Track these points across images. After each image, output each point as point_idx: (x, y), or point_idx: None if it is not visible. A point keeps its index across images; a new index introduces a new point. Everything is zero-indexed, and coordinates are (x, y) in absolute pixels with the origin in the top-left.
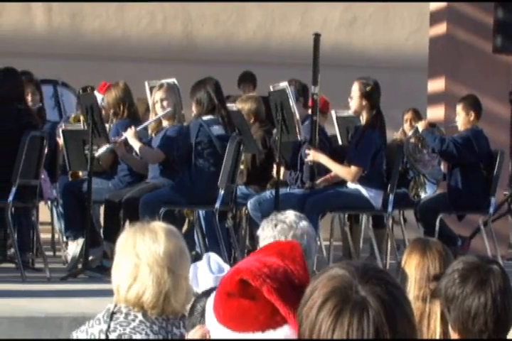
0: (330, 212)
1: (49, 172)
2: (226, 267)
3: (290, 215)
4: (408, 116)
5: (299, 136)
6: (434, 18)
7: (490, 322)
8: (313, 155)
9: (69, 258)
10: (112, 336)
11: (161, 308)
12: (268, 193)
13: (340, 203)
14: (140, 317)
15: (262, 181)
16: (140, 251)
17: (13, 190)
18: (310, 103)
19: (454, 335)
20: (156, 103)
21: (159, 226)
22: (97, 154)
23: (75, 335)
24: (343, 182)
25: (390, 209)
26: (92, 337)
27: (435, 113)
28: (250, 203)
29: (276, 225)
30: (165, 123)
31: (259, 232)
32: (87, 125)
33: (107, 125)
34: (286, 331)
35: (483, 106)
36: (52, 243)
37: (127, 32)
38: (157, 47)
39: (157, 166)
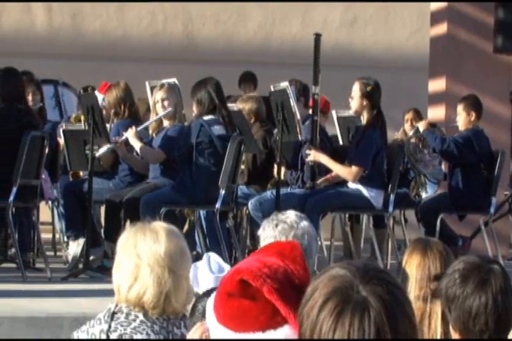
0: (331, 212)
1: (50, 172)
2: (226, 267)
3: (291, 215)
4: (409, 116)
5: (299, 136)
6: (435, 18)
7: (491, 322)
8: (313, 155)
9: (70, 258)
10: (113, 336)
11: (162, 308)
12: (269, 193)
13: (341, 203)
14: (141, 317)
15: (262, 181)
16: (141, 251)
17: (14, 190)
18: (311, 103)
19: (454, 335)
20: (157, 103)
21: (160, 226)
22: (97, 154)
23: (75, 335)
24: (343, 182)
25: (390, 209)
26: (93, 337)
27: (436, 113)
28: (251, 203)
29: (277, 225)
30: (166, 123)
31: (260, 232)
32: (88, 125)
33: (107, 125)
34: (286, 331)
35: (483, 106)
36: (53, 243)
37: (128, 32)
38: (158, 47)
39: (158, 166)
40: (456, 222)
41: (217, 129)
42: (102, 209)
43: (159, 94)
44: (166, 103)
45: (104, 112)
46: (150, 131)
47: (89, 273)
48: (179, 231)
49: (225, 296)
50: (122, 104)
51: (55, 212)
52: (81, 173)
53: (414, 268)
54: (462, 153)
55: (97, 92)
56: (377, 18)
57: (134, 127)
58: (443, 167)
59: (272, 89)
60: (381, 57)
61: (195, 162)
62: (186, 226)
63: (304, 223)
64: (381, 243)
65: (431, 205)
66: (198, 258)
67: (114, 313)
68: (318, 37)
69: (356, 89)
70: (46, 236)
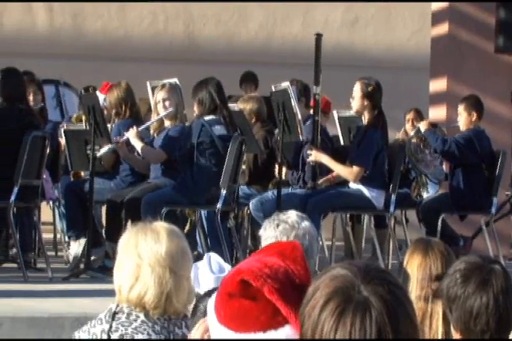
0: (332, 212)
1: (51, 172)
2: (227, 267)
3: (292, 215)
4: (410, 116)
5: (300, 136)
6: (436, 18)
7: (492, 322)
8: (315, 156)
9: (71, 258)
10: (114, 336)
11: (163, 308)
12: (270, 193)
13: (342, 203)
14: (142, 317)
15: (263, 181)
16: (142, 251)
17: (15, 190)
18: (312, 103)
19: (456, 335)
20: (158, 103)
21: (161, 226)
22: (99, 154)
23: (77, 335)
24: (345, 183)
25: (392, 209)
26: (94, 337)
27: (437, 113)
28: (252, 203)
29: (278, 225)
30: (167, 123)
31: (261, 232)
32: (89, 125)
33: (108, 125)
34: (287, 331)
35: (485, 106)
36: (54, 243)
37: (129, 32)
38: (159, 47)
39: (159, 166)
40: (458, 222)
41: (219, 129)
42: (103, 209)
43: (160, 94)
44: (167, 103)
45: (105, 112)
46: (151, 131)
47: (90, 273)
48: (180, 232)
49: (226, 296)
50: (123, 104)
51: (56, 212)
52: (82, 173)
53: (416, 268)
54: (463, 153)
55: (98, 92)
56: (378, 18)
57: (135, 127)
58: (444, 167)
59: (273, 89)
60: (382, 57)
61: (196, 162)
62: (187, 227)
63: (305, 223)
64: (382, 243)
65: (432, 205)
66: (199, 258)
67: (115, 313)
68: (319, 37)
69: (357, 89)
70: (47, 236)
